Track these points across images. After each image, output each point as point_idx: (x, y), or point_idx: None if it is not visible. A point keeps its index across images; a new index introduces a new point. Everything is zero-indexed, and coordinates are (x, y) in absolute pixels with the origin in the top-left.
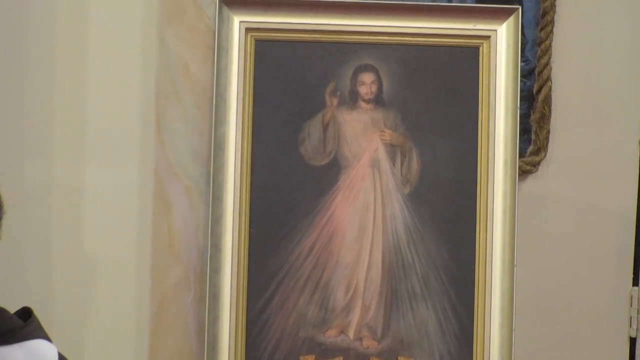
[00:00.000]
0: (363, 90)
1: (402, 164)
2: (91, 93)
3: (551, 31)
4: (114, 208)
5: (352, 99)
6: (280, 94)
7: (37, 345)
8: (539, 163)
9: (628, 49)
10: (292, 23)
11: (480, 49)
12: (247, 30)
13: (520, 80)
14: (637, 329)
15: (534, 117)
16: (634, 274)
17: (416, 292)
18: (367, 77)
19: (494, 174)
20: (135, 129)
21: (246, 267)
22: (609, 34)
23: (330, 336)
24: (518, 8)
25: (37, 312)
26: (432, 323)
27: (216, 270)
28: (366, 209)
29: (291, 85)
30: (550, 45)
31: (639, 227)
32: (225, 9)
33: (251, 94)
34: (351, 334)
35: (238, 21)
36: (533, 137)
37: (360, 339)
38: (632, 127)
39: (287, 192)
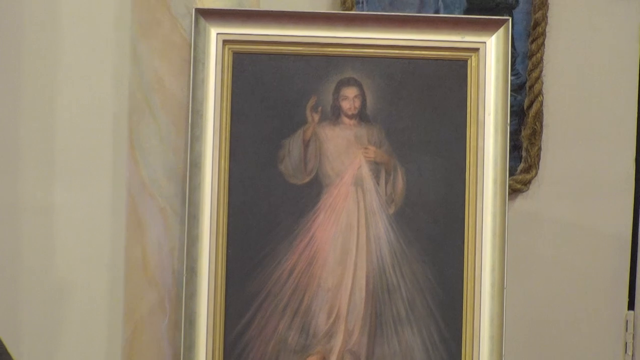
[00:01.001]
0: (346, 105)
1: (386, 183)
2: (61, 109)
3: (543, 43)
4: (85, 229)
5: (334, 115)
6: (259, 110)
7: None
8: (530, 181)
9: (623, 62)
10: (271, 35)
11: (469, 62)
12: (225, 42)
13: (511, 95)
14: (632, 355)
15: (525, 133)
16: (629, 297)
17: (401, 316)
18: (350, 92)
19: (482, 193)
20: (107, 147)
21: (223, 291)
22: (603, 47)
23: None
24: (508, 19)
25: (5, 339)
26: (418, 349)
27: (192, 295)
28: (349, 230)
29: (270, 100)
30: (541, 58)
31: (634, 249)
32: (202, 20)
33: (229, 109)
34: None
35: (215, 33)
36: (524, 154)
37: None
38: (627, 144)
39: (266, 212)
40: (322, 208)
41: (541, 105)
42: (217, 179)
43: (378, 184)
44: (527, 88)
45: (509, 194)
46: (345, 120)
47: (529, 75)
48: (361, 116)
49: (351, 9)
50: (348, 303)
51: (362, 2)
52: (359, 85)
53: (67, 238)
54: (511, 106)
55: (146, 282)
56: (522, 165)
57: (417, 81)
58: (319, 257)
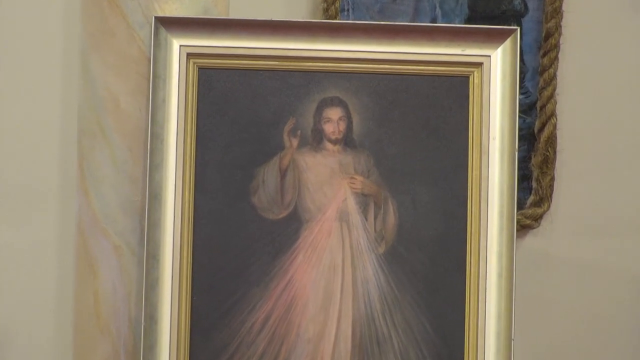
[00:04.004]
0: (329, 128)
1: (375, 218)
2: (0, 132)
3: (556, 57)
4: (28, 271)
5: (315, 140)
6: (229, 134)
7: None
8: (541, 216)
9: None
10: (242, 48)
11: (471, 78)
12: (189, 56)
13: (519, 117)
14: None
15: (536, 160)
16: None
17: None
18: (334, 113)
19: (487, 229)
20: (53, 176)
21: (187, 342)
22: (625, 61)
23: None
24: (516, 29)
25: None
26: None
27: (151, 346)
28: (332, 272)
29: (242, 122)
30: (554, 74)
31: None
32: (163, 31)
33: (194, 133)
34: None
35: (178, 45)
36: (534, 185)
37: None
38: None
39: (237, 251)
40: (302, 247)
41: (554, 128)
42: (180, 213)
43: (366, 219)
44: (538, 109)
45: (518, 230)
46: (328, 145)
47: (540, 93)
48: (346, 141)
49: (335, 18)
50: (332, 356)
51: (348, 10)
52: (344, 105)
53: (7, 281)
54: (520, 129)
55: (98, 331)
56: (532, 198)
57: (411, 100)
58: (298, 303)
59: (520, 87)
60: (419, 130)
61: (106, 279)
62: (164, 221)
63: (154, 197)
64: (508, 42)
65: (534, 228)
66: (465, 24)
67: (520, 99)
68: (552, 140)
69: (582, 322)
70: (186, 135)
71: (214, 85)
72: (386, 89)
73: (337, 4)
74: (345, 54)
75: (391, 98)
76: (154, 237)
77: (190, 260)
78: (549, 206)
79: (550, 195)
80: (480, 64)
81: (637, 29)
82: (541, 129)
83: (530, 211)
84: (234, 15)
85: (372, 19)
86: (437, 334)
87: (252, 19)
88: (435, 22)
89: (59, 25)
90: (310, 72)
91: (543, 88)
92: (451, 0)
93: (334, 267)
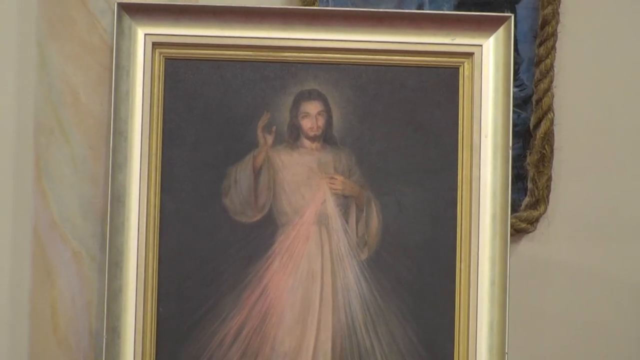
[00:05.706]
0: (307, 124)
1: (357, 221)
2: None
3: (553, 47)
4: None
5: (292, 136)
6: (198, 130)
7: None
8: (537, 219)
9: None
10: (213, 36)
11: (461, 69)
12: (155, 45)
13: (513, 112)
14: None
15: (531, 159)
16: None
17: None
18: (312, 107)
19: (478, 234)
20: (7, 176)
21: (153, 356)
22: (628, 51)
23: None
24: (510, 16)
25: None
26: None
27: None
28: (311, 280)
29: (213, 118)
30: (551, 65)
31: None
32: (127, 18)
33: (160, 129)
34: None
35: (143, 34)
36: (530, 185)
37: None
38: None
39: (207, 258)
40: (278, 252)
41: (551, 124)
42: (145, 216)
43: (347, 222)
44: (534, 103)
45: (512, 234)
46: (306, 142)
47: (535, 86)
48: (326, 138)
49: (313, 4)
50: None
51: None
52: (323, 98)
53: None
54: (514, 125)
55: (56, 344)
56: (527, 200)
57: (396, 94)
58: (273, 314)
59: (515, 80)
60: (404, 126)
61: (64, 288)
62: (128, 225)
63: (117, 199)
64: (501, 31)
65: (529, 232)
66: (454, 10)
67: (514, 92)
68: (549, 137)
69: (582, 333)
70: (152, 132)
71: (182, 77)
72: (369, 81)
73: None
74: (325, 44)
75: (374, 91)
76: (116, 243)
77: (155, 267)
78: (545, 208)
79: (547, 197)
80: (471, 54)
81: (639, 15)
82: (537, 125)
83: (525, 214)
84: (204, 1)
85: (353, 5)
86: (424, 346)
87: (223, 5)
88: (423, 9)
89: (13, 11)
90: (287, 62)
91: (539, 80)
92: None
93: (313, 274)
